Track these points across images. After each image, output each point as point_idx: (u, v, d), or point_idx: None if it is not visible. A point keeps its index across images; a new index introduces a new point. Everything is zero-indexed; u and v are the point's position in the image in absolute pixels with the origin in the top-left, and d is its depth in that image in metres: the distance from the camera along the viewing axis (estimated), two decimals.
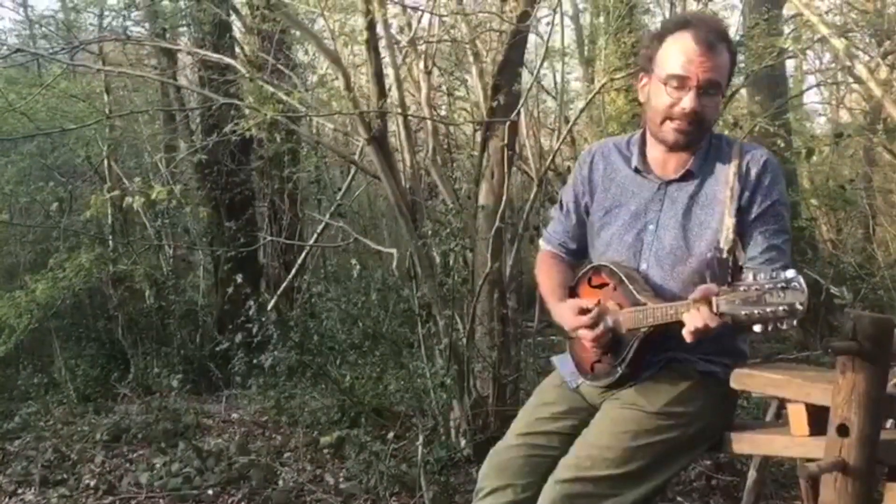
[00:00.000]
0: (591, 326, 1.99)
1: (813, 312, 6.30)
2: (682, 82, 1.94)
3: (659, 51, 2.00)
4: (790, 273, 1.63)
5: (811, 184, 7.98)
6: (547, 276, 2.24)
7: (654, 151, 2.09)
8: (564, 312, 2.07)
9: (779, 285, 1.62)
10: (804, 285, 1.60)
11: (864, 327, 1.69)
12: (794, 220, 6.35)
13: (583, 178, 2.21)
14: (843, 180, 7.29)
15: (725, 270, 1.94)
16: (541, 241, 2.36)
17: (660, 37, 2.02)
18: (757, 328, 1.66)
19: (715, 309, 1.74)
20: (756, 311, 1.64)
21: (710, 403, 2.01)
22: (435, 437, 3.93)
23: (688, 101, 1.94)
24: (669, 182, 2.05)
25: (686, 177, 2.04)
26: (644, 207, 2.07)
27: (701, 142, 2.02)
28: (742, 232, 1.96)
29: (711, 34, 1.94)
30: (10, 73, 7.61)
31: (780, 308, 1.61)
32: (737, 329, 1.80)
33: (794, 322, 1.62)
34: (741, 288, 1.69)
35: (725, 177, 1.99)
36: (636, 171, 2.10)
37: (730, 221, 1.95)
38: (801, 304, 1.59)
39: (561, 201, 2.29)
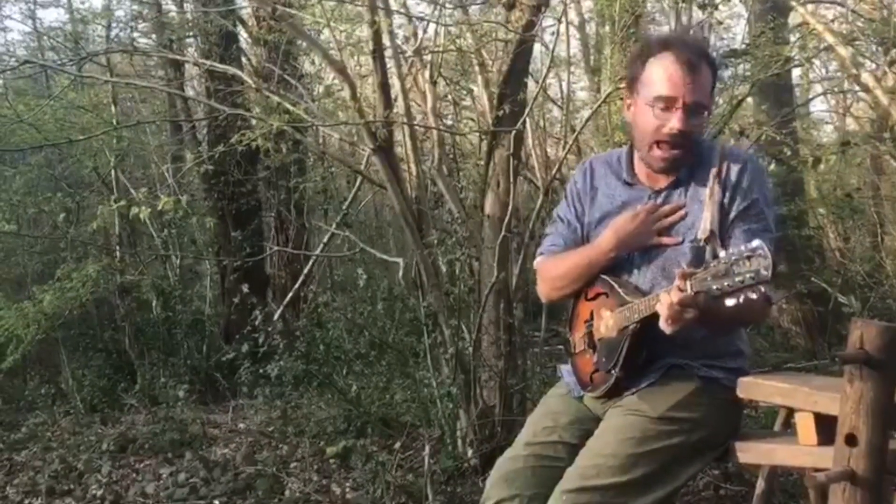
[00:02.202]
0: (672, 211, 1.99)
1: (820, 321, 6.28)
2: (669, 103, 1.96)
3: (643, 73, 2.02)
4: (754, 242, 1.63)
5: (818, 192, 7.95)
6: (558, 260, 2.20)
7: (642, 166, 2.12)
8: (625, 218, 2.05)
9: (744, 255, 1.63)
10: (767, 251, 1.61)
11: (872, 336, 1.69)
12: (800, 228, 6.36)
13: (578, 191, 2.23)
14: (851, 189, 7.26)
15: (701, 258, 1.95)
16: (537, 260, 2.30)
17: (643, 58, 2.03)
18: (730, 302, 1.66)
19: (688, 289, 1.74)
20: (726, 283, 1.65)
21: (714, 409, 2.01)
22: (441, 446, 3.92)
23: (676, 122, 1.95)
24: (658, 191, 2.08)
25: (674, 185, 2.07)
26: None
27: (687, 158, 2.03)
28: (724, 231, 1.98)
29: (693, 54, 1.97)
30: (19, 85, 7.68)
31: (747, 276, 1.62)
32: (716, 314, 1.79)
33: (762, 289, 1.63)
34: (711, 265, 1.71)
35: (708, 178, 2.01)
36: (626, 183, 2.13)
37: (708, 213, 1.97)
38: (766, 268, 1.60)
39: (560, 217, 2.27)
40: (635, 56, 2.09)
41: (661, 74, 1.96)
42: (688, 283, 1.74)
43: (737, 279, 1.63)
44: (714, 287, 1.68)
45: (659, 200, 2.07)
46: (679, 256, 2.00)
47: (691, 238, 2.00)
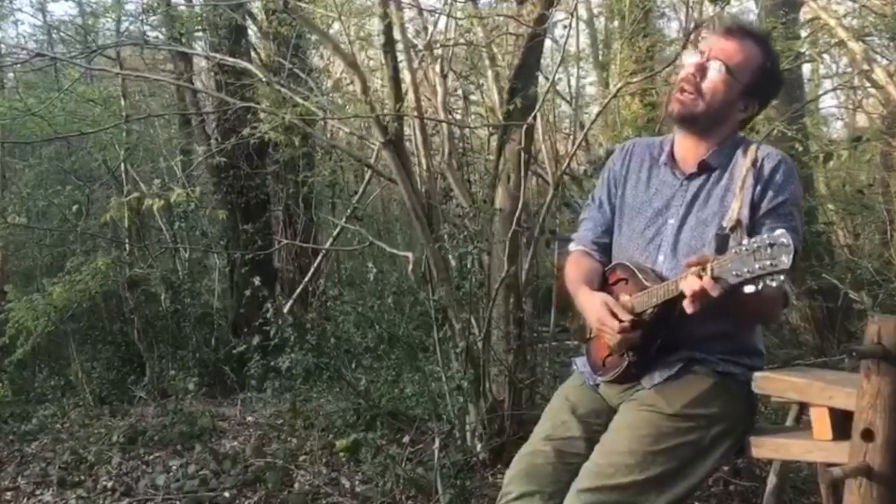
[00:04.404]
0: (622, 332, 1.96)
1: (830, 317, 6.26)
2: (696, 55, 2.06)
3: None
4: (778, 231, 1.64)
5: (828, 189, 7.93)
6: (575, 268, 2.23)
7: (679, 146, 2.14)
8: (594, 302, 2.05)
9: (766, 242, 1.63)
10: (790, 240, 1.61)
11: (890, 331, 1.69)
12: (810, 224, 6.33)
13: (615, 173, 2.25)
14: (861, 185, 7.24)
15: (724, 247, 1.93)
16: (570, 246, 2.33)
17: None
18: (748, 288, 1.67)
19: (709, 273, 1.74)
20: (746, 270, 1.66)
21: (731, 406, 2.01)
22: (451, 440, 3.92)
23: (690, 66, 2.05)
24: (690, 177, 2.09)
25: (703, 169, 2.08)
26: (666, 204, 2.11)
27: (708, 124, 2.06)
28: (751, 225, 1.97)
29: (737, 26, 2.06)
30: (29, 78, 7.70)
31: (767, 263, 1.62)
32: (735, 301, 1.78)
33: (781, 278, 1.63)
34: (732, 252, 1.71)
35: (740, 170, 2.02)
36: (663, 164, 2.15)
37: (736, 204, 1.97)
38: (787, 256, 1.60)
39: (593, 198, 2.31)
40: None
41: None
42: (708, 267, 1.75)
43: (756, 265, 1.63)
44: (733, 272, 1.68)
45: (691, 187, 2.08)
46: (703, 248, 1.99)
47: (718, 226, 2.00)
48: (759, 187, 1.98)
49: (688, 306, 1.81)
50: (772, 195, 1.98)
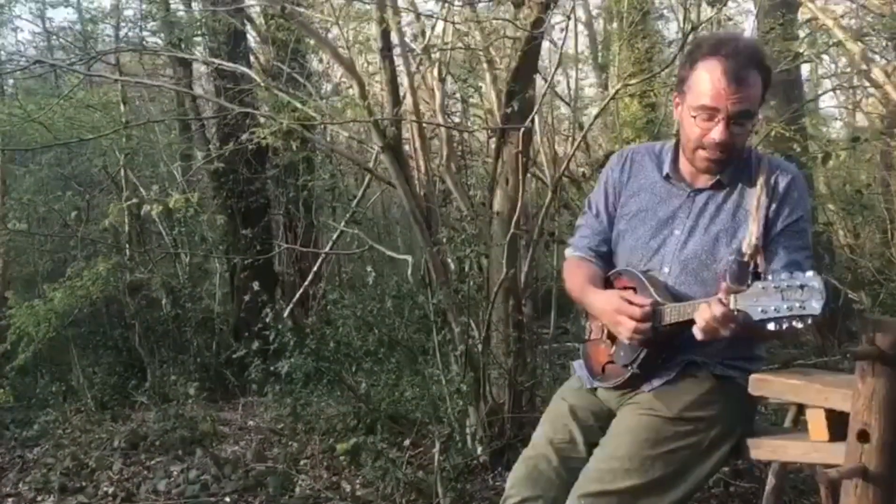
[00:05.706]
0: (641, 320, 1.94)
1: (830, 318, 6.25)
2: (711, 114, 1.93)
3: (691, 75, 1.98)
4: (809, 273, 1.62)
5: (828, 188, 7.92)
6: (576, 271, 2.20)
7: (688, 166, 2.10)
8: (609, 296, 2.03)
9: (796, 284, 1.61)
10: (822, 286, 1.59)
11: (885, 332, 1.69)
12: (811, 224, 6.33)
13: (614, 180, 2.21)
14: (860, 185, 7.23)
15: (746, 274, 1.92)
16: (567, 251, 2.31)
17: (692, 59, 2.00)
18: (771, 326, 1.65)
19: (731, 305, 1.73)
20: (773, 308, 1.63)
21: (729, 408, 2.01)
22: (451, 443, 3.92)
23: (717, 133, 1.94)
24: (699, 191, 2.07)
25: (715, 187, 2.05)
26: (672, 214, 2.09)
27: (733, 162, 2.03)
28: (765, 243, 1.96)
29: (742, 64, 1.92)
30: (29, 84, 7.71)
31: (796, 304, 1.60)
32: (750, 330, 1.77)
33: (809, 321, 1.61)
34: (759, 286, 1.68)
35: (753, 188, 2.00)
36: (666, 177, 2.12)
37: (754, 227, 1.96)
38: (818, 302, 1.58)
39: (590, 204, 2.27)
40: (686, 55, 2.07)
41: (706, 84, 1.92)
42: (731, 298, 1.73)
43: (784, 305, 1.61)
44: (759, 309, 1.66)
45: (698, 200, 2.06)
46: (713, 263, 1.99)
47: (732, 245, 1.98)
48: (773, 205, 1.98)
49: (697, 334, 1.82)
50: (787, 213, 1.97)
